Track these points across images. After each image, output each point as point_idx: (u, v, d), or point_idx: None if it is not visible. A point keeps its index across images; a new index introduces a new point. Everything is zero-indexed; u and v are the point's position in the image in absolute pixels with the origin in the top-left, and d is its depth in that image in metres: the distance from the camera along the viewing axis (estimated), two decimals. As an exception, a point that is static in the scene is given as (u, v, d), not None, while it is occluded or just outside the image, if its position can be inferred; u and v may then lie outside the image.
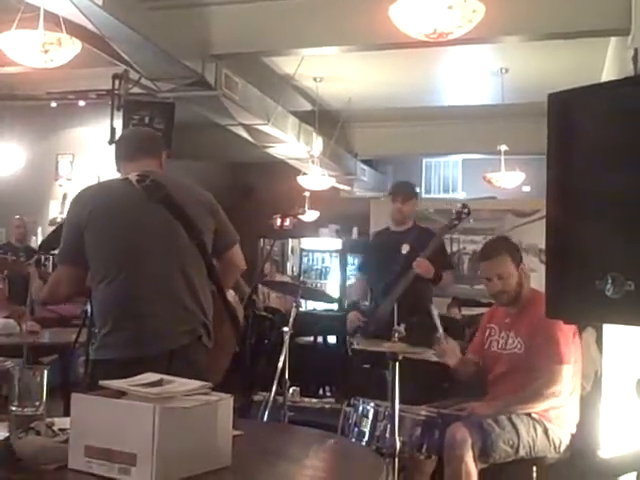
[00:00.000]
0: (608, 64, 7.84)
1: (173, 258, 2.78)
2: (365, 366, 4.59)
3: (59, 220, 10.36)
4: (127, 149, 2.98)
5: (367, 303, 5.27)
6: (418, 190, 5.25)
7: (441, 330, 3.74)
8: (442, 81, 9.62)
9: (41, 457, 1.80)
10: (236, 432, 1.93)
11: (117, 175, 3.01)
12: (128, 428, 1.71)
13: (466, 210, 4.67)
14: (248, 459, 1.95)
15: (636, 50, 4.94)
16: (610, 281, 1.67)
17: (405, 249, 4.75)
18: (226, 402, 1.86)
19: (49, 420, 1.99)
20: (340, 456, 2.24)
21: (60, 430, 1.92)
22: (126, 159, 2.96)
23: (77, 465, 1.76)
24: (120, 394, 1.85)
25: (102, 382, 1.91)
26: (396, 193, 5.02)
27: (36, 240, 9.56)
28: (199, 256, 2.81)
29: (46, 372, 2.05)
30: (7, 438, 1.86)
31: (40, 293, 3.18)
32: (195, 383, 1.90)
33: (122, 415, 1.74)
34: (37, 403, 2.01)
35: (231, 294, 3.04)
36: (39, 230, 9.93)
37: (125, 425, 1.72)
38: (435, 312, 3.76)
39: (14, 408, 1.99)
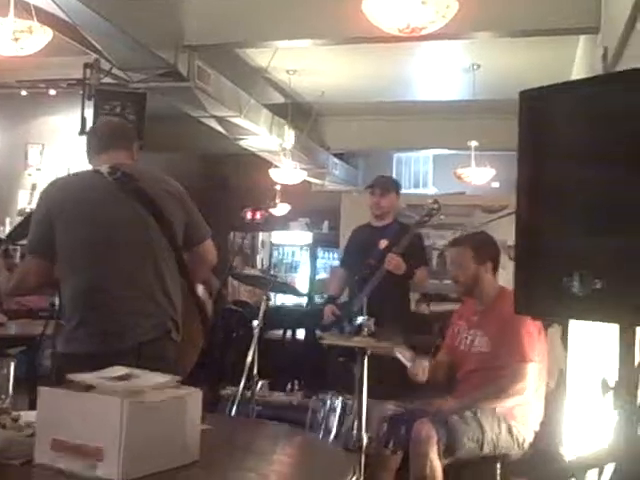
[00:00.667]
0: (578, 62, 7.91)
1: (144, 251, 2.75)
2: (340, 359, 4.60)
3: (28, 210, 10.25)
4: (99, 141, 2.94)
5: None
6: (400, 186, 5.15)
7: (409, 364, 3.74)
8: (414, 76, 9.65)
9: (6, 451, 1.78)
10: (204, 426, 1.92)
11: (88, 166, 2.97)
12: (95, 422, 1.69)
13: (436, 206, 4.68)
14: (216, 454, 1.94)
15: (605, 48, 4.99)
16: (577, 278, 1.69)
17: (383, 244, 4.72)
18: (195, 396, 1.85)
19: (15, 414, 1.97)
20: (308, 452, 2.24)
21: (26, 424, 1.90)
22: (97, 151, 2.92)
23: (43, 459, 1.74)
24: (87, 387, 1.83)
25: (69, 375, 1.89)
26: (374, 186, 4.95)
27: (3, 230, 9.46)
28: (170, 249, 2.78)
29: (13, 364, 2.03)
30: (-28, 432, 1.83)
31: (8, 284, 3.14)
32: (163, 377, 1.89)
33: (89, 409, 1.72)
34: (3, 396, 1.99)
35: (200, 289, 3.01)
36: (7, 220, 9.82)
37: (92, 419, 1.70)
38: (399, 355, 3.74)
39: (-22, 401, 1.97)
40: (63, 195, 2.79)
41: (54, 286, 2.91)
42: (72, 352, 2.68)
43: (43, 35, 5.29)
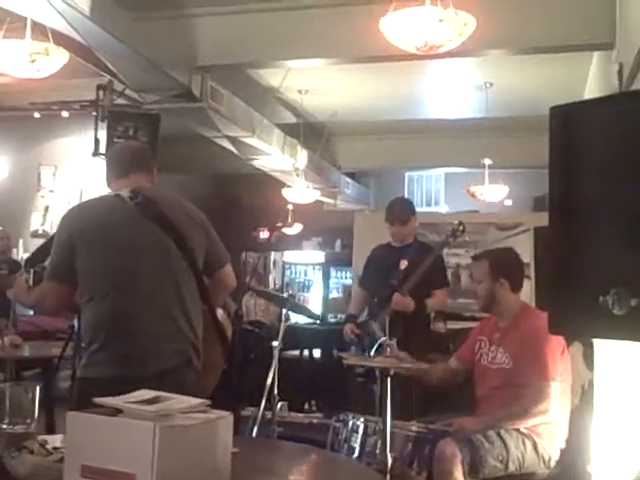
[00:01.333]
0: (592, 78, 7.90)
1: (165, 276, 2.74)
2: (359, 379, 4.56)
3: (40, 232, 10.28)
4: (119, 165, 2.93)
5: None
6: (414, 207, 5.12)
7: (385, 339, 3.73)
8: (426, 94, 9.66)
9: (35, 476, 1.76)
10: (233, 449, 1.90)
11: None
12: (126, 447, 1.67)
13: (462, 227, 4.65)
14: (246, 477, 1.92)
15: (621, 64, 4.97)
16: (614, 297, 1.66)
17: (403, 264, 4.67)
18: (226, 420, 1.82)
19: (42, 438, 1.95)
20: (338, 473, 2.21)
21: (54, 449, 1.88)
22: (118, 175, 2.91)
23: (73, 485, 1.72)
24: (116, 412, 1.81)
25: (96, 399, 1.87)
26: (392, 218, 4.90)
27: (17, 252, 9.47)
28: (191, 274, 2.77)
29: (38, 388, 2.02)
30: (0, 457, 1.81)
31: (25, 298, 3.10)
32: (193, 400, 1.87)
33: (120, 434, 1.70)
34: (28, 421, 1.98)
35: (220, 313, 2.99)
36: (20, 242, 9.83)
37: (123, 444, 1.67)
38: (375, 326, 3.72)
39: (5, 426, 1.95)
40: (84, 220, 2.78)
41: (71, 310, 2.90)
42: (92, 377, 2.65)
43: (59, 57, 5.31)
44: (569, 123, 1.81)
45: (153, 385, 2.28)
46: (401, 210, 4.98)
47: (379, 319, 4.57)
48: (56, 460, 1.81)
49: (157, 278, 2.72)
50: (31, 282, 3.08)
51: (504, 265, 3.84)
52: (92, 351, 2.68)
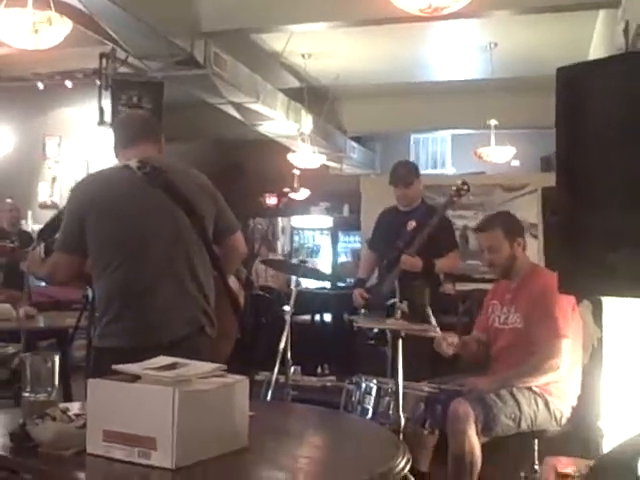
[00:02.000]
0: (597, 37, 7.83)
1: (176, 246, 2.74)
2: (369, 342, 4.59)
3: (49, 203, 10.31)
4: (126, 135, 2.92)
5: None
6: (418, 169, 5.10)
7: (438, 329, 3.75)
8: (431, 56, 9.59)
9: (59, 442, 1.80)
10: (250, 413, 1.93)
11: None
12: (146, 412, 1.71)
13: (466, 187, 4.65)
14: (263, 439, 1.96)
15: (627, 22, 4.92)
16: (623, 255, 1.68)
17: (410, 226, 4.68)
18: (243, 383, 1.86)
19: (63, 405, 1.99)
20: (357, 434, 2.25)
21: (75, 415, 1.92)
22: (125, 145, 2.90)
23: (96, 450, 1.76)
24: (134, 378, 1.85)
25: (115, 366, 1.90)
26: (397, 180, 4.90)
27: (27, 224, 9.50)
28: (201, 243, 2.78)
29: (57, 358, 2.05)
30: (23, 424, 1.85)
31: (37, 269, 3.11)
32: (209, 365, 1.90)
33: (140, 399, 1.74)
34: (49, 389, 2.01)
35: (233, 280, 3.00)
36: (29, 213, 9.86)
37: (143, 409, 1.71)
38: (430, 314, 3.75)
39: (27, 394, 1.99)
40: (94, 192, 2.78)
41: (84, 280, 2.92)
42: (107, 347, 2.67)
43: (62, 26, 5.27)
44: (576, 84, 1.81)
45: (168, 353, 2.32)
46: (404, 172, 4.98)
47: (388, 282, 4.59)
48: (78, 426, 1.85)
49: (168, 248, 2.73)
50: (42, 254, 3.10)
51: (515, 226, 3.86)
52: (106, 322, 2.71)
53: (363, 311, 4.81)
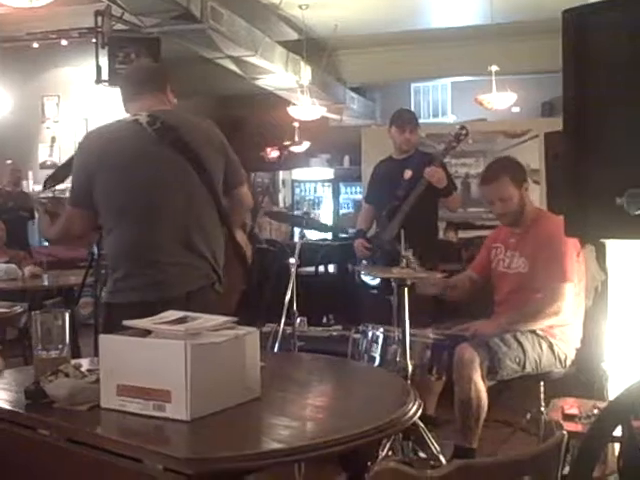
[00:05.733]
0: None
1: (187, 203, 2.73)
2: (373, 292, 4.61)
3: (49, 163, 10.29)
4: (131, 87, 2.87)
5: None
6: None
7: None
8: (429, 3, 9.47)
9: (74, 398, 1.82)
10: (261, 363, 1.96)
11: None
12: (160, 366, 1.73)
13: (464, 132, 4.63)
14: (275, 389, 1.98)
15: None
16: (629, 198, 1.68)
17: (407, 174, 4.70)
18: (253, 335, 1.88)
19: (76, 361, 2.01)
20: (367, 382, 2.27)
21: (88, 371, 1.94)
22: (130, 98, 2.86)
23: (110, 404, 1.79)
24: (146, 333, 1.86)
25: (126, 322, 1.92)
26: (404, 123, 4.89)
27: (27, 185, 9.51)
28: (211, 199, 2.77)
29: (67, 315, 2.07)
30: (36, 382, 1.88)
31: (50, 230, 3.10)
32: (220, 318, 1.92)
33: (153, 353, 1.75)
34: (60, 346, 2.03)
35: (241, 235, 3.01)
36: (30, 174, 9.85)
37: (156, 363, 1.73)
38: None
39: (38, 352, 2.01)
40: (102, 147, 2.74)
41: (98, 230, 2.92)
42: (119, 302, 2.68)
43: (56, -16, 5.20)
44: (582, 26, 1.79)
45: (179, 307, 2.34)
46: (410, 116, 5.01)
47: (389, 229, 4.62)
48: (92, 381, 1.87)
49: (178, 206, 2.72)
50: (44, 211, 3.09)
51: (519, 170, 3.83)
52: (116, 278, 2.72)
53: (364, 262, 4.85)
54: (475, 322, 3.68)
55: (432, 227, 4.93)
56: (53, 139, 10.42)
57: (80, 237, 2.93)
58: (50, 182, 3.13)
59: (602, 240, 3.48)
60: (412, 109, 14.39)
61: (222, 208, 2.81)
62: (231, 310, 2.87)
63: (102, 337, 1.86)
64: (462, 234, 7.72)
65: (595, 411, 2.88)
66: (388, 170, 4.95)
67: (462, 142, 4.70)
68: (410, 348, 3.38)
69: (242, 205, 3.00)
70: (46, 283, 5.40)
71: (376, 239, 4.82)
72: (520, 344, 3.50)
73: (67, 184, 2.92)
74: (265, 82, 10.30)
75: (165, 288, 2.64)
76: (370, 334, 3.67)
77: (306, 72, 10.31)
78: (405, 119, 4.94)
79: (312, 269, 6.66)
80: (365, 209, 5.27)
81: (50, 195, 3.06)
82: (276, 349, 4.01)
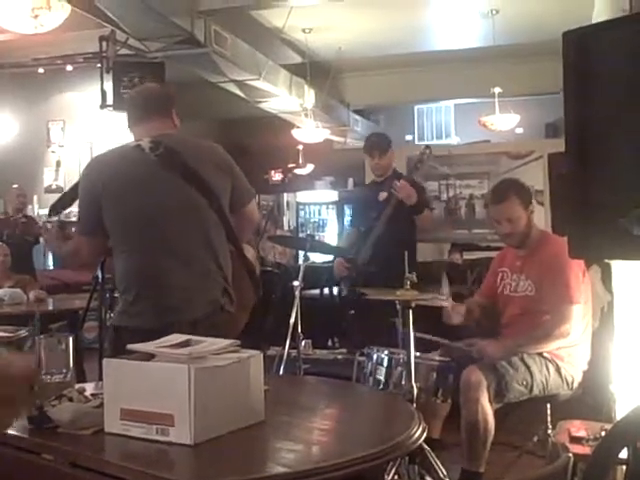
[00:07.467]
0: (598, 3, 7.74)
1: (194, 227, 2.72)
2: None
3: (54, 187, 10.33)
4: (135, 111, 2.87)
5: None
6: (391, 140, 5.16)
7: (449, 298, 3.79)
8: (432, 25, 9.51)
9: (77, 422, 1.82)
10: (265, 387, 1.95)
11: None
12: (163, 390, 1.72)
13: (428, 151, 4.77)
14: (279, 413, 1.97)
15: (631, -17, 4.86)
16: (633, 218, 1.68)
17: (382, 196, 4.79)
18: (257, 358, 1.88)
19: (80, 386, 2.01)
20: (372, 405, 2.26)
21: (92, 395, 1.93)
22: (135, 122, 2.86)
23: (114, 428, 1.78)
24: (149, 357, 1.86)
25: (129, 346, 1.92)
26: (372, 149, 5.00)
27: (33, 209, 9.53)
28: (218, 221, 2.75)
29: (71, 339, 2.07)
30: (40, 406, 1.87)
31: (61, 253, 3.09)
32: (223, 341, 1.92)
33: (156, 377, 1.75)
34: (64, 370, 2.03)
35: (250, 251, 3.00)
36: (35, 198, 9.88)
37: (160, 387, 1.73)
38: (444, 282, 3.79)
39: (43, 377, 2.01)
40: (105, 173, 2.74)
41: (107, 255, 2.91)
42: (126, 325, 2.66)
43: (61, 10, 5.24)
44: (582, 47, 1.80)
45: (186, 331, 2.31)
46: (378, 141, 5.07)
47: (362, 253, 4.72)
48: (96, 406, 1.87)
49: (186, 230, 2.71)
50: (55, 238, 3.09)
51: (527, 192, 3.85)
52: (126, 301, 2.70)
53: (343, 282, 4.92)
54: (479, 341, 3.67)
55: (408, 247, 4.90)
56: (58, 163, 10.48)
57: (88, 264, 2.92)
58: (55, 210, 3.12)
59: (607, 261, 3.47)
60: (416, 131, 14.50)
61: (230, 228, 2.79)
62: (239, 328, 2.85)
63: (106, 361, 1.86)
64: (467, 255, 7.72)
65: (602, 433, 2.86)
66: (365, 193, 5.10)
67: (425, 162, 4.80)
68: (415, 371, 3.36)
69: (250, 221, 3.00)
70: (51, 307, 5.41)
71: (351, 261, 4.85)
72: (527, 367, 3.49)
73: (72, 208, 2.93)
74: (269, 105, 10.35)
75: (172, 314, 2.61)
76: (375, 357, 3.65)
77: (310, 95, 10.36)
78: (372, 144, 5.04)
79: (317, 291, 6.64)
80: (349, 232, 5.37)
81: (56, 219, 3.04)
82: (281, 372, 4.00)
